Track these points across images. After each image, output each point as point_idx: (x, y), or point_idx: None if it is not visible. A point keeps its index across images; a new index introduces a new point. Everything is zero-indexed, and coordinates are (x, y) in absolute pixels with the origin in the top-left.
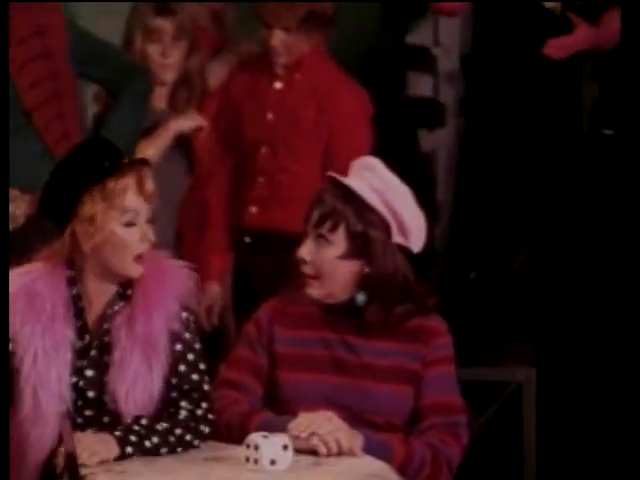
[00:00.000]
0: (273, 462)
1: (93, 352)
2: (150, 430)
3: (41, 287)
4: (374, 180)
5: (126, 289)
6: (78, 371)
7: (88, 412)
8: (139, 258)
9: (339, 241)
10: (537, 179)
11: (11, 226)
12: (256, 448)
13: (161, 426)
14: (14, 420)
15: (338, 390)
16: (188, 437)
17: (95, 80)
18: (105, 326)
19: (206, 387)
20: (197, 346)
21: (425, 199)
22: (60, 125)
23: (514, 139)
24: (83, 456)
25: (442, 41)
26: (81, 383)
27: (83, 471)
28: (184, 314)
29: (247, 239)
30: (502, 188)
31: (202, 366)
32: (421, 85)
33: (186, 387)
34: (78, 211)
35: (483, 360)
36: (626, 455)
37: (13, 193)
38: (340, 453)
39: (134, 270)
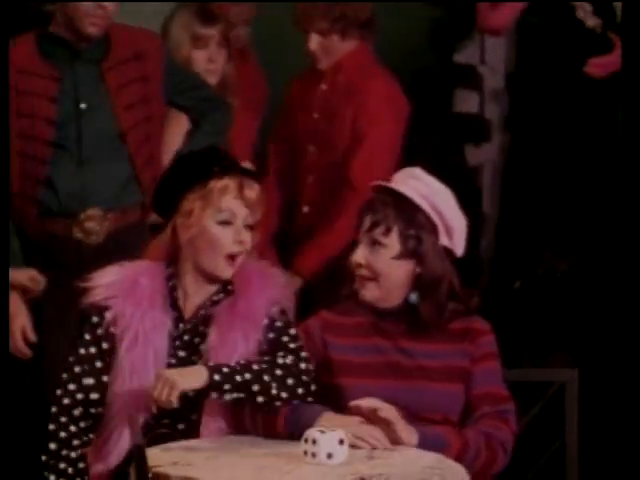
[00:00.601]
0: (330, 455)
1: (186, 337)
2: (244, 367)
3: (143, 279)
4: (420, 186)
5: (227, 285)
6: (171, 355)
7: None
8: (230, 258)
9: (393, 243)
10: (579, 192)
11: (93, 241)
12: (314, 442)
13: (257, 365)
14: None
15: (396, 392)
16: (286, 378)
17: (180, 108)
18: (202, 312)
19: (299, 367)
20: (293, 331)
21: (471, 212)
22: (147, 148)
23: (557, 153)
24: (178, 381)
25: (488, 60)
26: (173, 362)
27: (150, 463)
28: (279, 306)
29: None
30: (545, 201)
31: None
32: (468, 102)
33: (286, 348)
34: (180, 206)
35: (528, 362)
36: None
37: (95, 211)
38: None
39: (224, 270)
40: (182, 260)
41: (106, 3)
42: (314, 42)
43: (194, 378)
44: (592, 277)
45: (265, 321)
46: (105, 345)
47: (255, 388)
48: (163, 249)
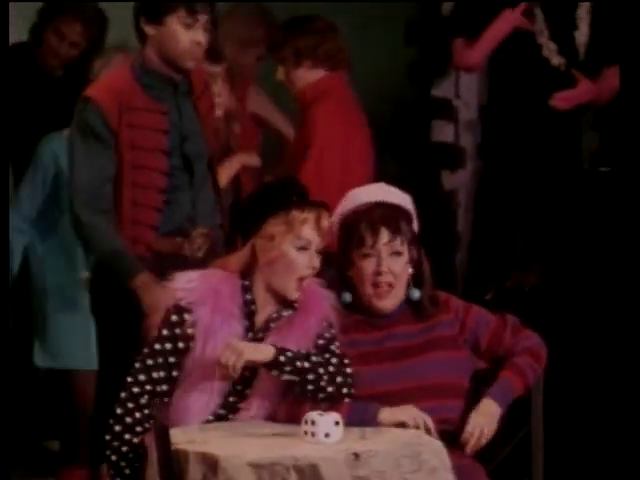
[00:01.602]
0: (327, 435)
1: None
2: (305, 356)
3: (224, 288)
4: (402, 198)
5: (293, 302)
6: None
7: (239, 387)
8: (301, 280)
9: (404, 251)
10: (544, 213)
11: (199, 256)
12: (313, 423)
13: (315, 358)
14: (176, 392)
15: (392, 373)
16: (336, 376)
17: None
18: (272, 325)
19: (345, 370)
20: (337, 343)
21: (447, 231)
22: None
23: (525, 178)
24: (245, 350)
25: (462, 94)
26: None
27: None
28: (328, 321)
29: None
30: (514, 221)
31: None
32: (444, 132)
33: (334, 353)
34: (262, 230)
35: None
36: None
37: (203, 229)
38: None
39: (293, 292)
40: (256, 276)
41: (202, 39)
42: (279, 71)
43: (261, 352)
44: (556, 290)
45: (316, 334)
46: (181, 344)
47: (310, 377)
48: (239, 264)
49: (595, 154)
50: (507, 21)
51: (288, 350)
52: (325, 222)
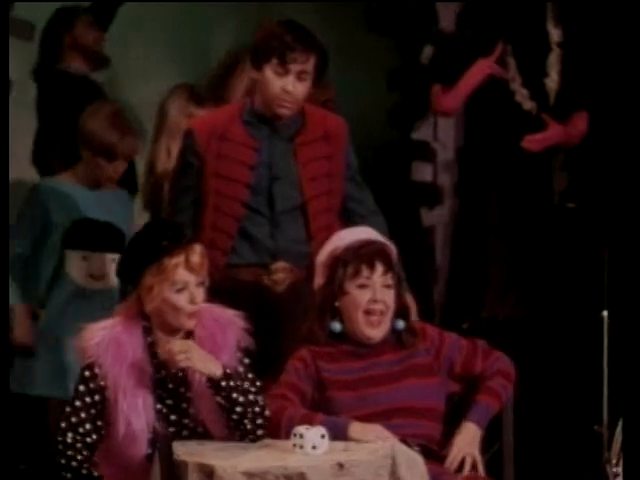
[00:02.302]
0: (314, 447)
1: (170, 385)
2: (244, 391)
3: (124, 338)
4: (383, 238)
5: (189, 335)
6: (160, 399)
7: (171, 429)
8: (191, 314)
9: (393, 285)
10: (517, 247)
11: (279, 289)
12: (301, 436)
13: (252, 396)
14: (110, 441)
15: (372, 398)
16: (256, 417)
17: (349, 184)
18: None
19: (256, 397)
20: (250, 375)
21: (426, 265)
22: (325, 218)
23: (499, 215)
24: (196, 360)
25: (440, 137)
26: (164, 410)
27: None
28: (239, 354)
29: None
30: (489, 255)
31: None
32: (423, 172)
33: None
34: (141, 282)
35: None
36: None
37: (283, 264)
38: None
39: (188, 323)
40: (151, 318)
41: (292, 88)
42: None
43: (208, 369)
44: (528, 321)
45: (233, 357)
46: (97, 397)
47: (238, 409)
48: (137, 308)
49: (564, 192)
50: (482, 69)
51: (232, 378)
52: (195, 257)
